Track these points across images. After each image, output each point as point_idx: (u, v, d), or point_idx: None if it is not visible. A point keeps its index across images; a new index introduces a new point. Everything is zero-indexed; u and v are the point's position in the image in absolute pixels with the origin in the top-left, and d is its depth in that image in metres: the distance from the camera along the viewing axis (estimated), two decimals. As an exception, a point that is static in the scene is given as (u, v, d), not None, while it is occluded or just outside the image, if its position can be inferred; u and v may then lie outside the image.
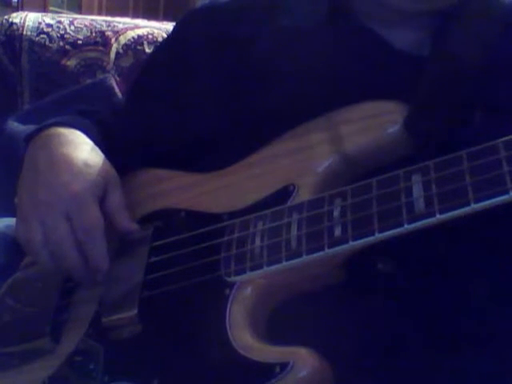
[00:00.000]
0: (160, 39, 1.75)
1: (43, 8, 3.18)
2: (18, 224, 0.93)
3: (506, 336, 0.83)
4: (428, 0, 0.90)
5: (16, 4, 3.12)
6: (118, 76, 1.72)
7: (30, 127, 1.50)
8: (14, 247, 1.16)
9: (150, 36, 1.77)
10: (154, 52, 1.37)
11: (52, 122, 1.00)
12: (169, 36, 1.12)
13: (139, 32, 1.78)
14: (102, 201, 0.91)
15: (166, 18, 2.55)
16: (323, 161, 0.85)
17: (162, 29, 1.78)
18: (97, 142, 0.97)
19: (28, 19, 1.73)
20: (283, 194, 0.85)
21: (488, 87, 0.87)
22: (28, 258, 1.03)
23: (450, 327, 0.83)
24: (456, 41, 0.88)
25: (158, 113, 1.03)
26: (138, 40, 1.76)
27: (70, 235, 0.88)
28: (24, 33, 1.70)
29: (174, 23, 1.15)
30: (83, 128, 0.99)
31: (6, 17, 1.74)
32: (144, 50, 1.75)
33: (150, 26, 1.81)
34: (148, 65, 1.15)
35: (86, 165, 0.92)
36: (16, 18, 1.73)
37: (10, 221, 1.27)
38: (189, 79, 1.01)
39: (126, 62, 1.74)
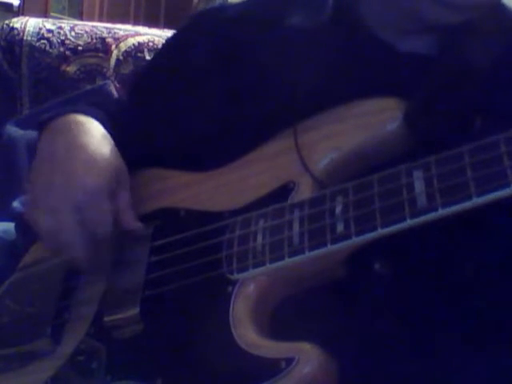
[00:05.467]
0: (161, 46, 1.75)
1: (44, 13, 3.18)
2: (29, 205, 0.94)
3: (503, 340, 0.83)
4: (460, 12, 0.89)
5: (17, 9, 3.12)
6: (118, 83, 1.72)
7: (30, 132, 1.50)
8: (12, 252, 1.16)
9: (151, 43, 1.78)
10: (157, 52, 1.37)
11: (69, 110, 1.00)
12: (172, 37, 1.13)
13: (140, 39, 1.78)
14: (112, 196, 0.91)
15: (167, 25, 2.55)
16: (323, 158, 0.85)
17: (162, 36, 1.79)
18: (111, 135, 0.98)
19: (29, 24, 1.73)
20: (283, 192, 0.85)
21: (491, 96, 0.87)
22: (25, 259, 1.03)
23: (444, 330, 0.83)
24: (468, 46, 0.88)
25: (158, 112, 1.04)
26: (139, 47, 1.77)
27: (77, 227, 0.88)
28: (24, 38, 1.70)
29: (174, 31, 1.15)
30: (99, 119, 0.99)
31: (6, 21, 1.74)
32: (144, 58, 1.75)
33: (150, 33, 1.82)
34: (151, 65, 1.15)
35: (103, 158, 0.93)
36: (17, 22, 1.73)
37: (7, 225, 1.27)
38: (190, 80, 1.02)
39: (126, 69, 1.74)
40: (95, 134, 0.96)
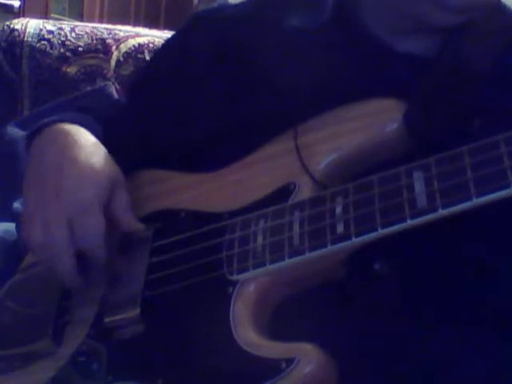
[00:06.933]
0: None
1: (45, 15, 3.17)
2: (23, 219, 0.94)
3: (505, 339, 0.83)
4: (459, 14, 0.89)
5: (17, 10, 3.12)
6: (118, 84, 1.72)
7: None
8: (13, 252, 1.16)
9: (151, 44, 1.77)
10: (155, 53, 1.38)
11: (56, 119, 1.00)
12: (171, 38, 1.13)
13: (140, 40, 1.78)
14: (108, 202, 0.91)
15: (167, 26, 2.55)
16: (323, 159, 0.85)
17: (162, 37, 1.78)
18: (101, 140, 0.97)
19: (29, 25, 1.73)
20: (284, 193, 0.85)
21: (490, 96, 0.87)
22: (27, 260, 1.03)
23: (444, 329, 0.83)
24: (467, 46, 0.89)
25: (157, 113, 1.04)
26: (139, 48, 1.76)
27: (67, 241, 0.88)
28: (25, 39, 1.70)
29: (174, 32, 1.15)
30: (86, 125, 0.99)
31: (7, 23, 1.74)
32: (144, 59, 1.75)
33: (150, 34, 1.81)
34: (150, 66, 1.15)
35: (93, 168, 0.92)
36: (17, 24, 1.73)
37: (8, 226, 1.27)
38: (189, 82, 1.02)
39: (127, 70, 1.74)
40: (84, 144, 0.95)
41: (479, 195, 0.72)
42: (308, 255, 0.78)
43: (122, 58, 1.75)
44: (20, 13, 3.08)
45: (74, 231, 0.88)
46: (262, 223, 0.83)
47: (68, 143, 0.95)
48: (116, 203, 0.92)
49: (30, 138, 1.00)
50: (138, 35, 1.80)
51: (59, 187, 0.90)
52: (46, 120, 1.00)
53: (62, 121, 0.99)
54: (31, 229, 0.90)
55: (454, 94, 0.86)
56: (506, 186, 0.71)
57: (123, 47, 1.76)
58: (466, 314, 0.83)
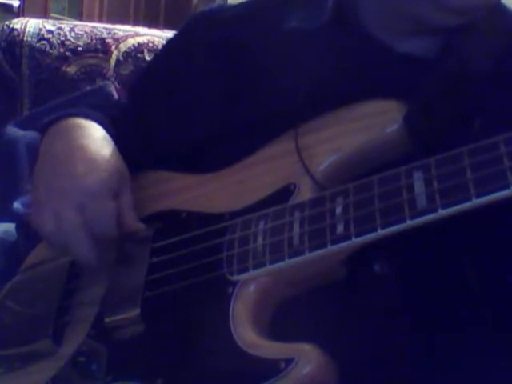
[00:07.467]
0: (160, 47, 1.75)
1: (44, 14, 3.17)
2: (32, 208, 0.94)
3: (503, 338, 0.84)
4: (459, 15, 0.89)
5: (17, 10, 3.11)
6: (118, 83, 1.72)
7: (30, 133, 1.50)
8: (12, 253, 1.17)
9: (151, 44, 1.78)
10: (156, 54, 1.38)
11: (70, 113, 1.01)
12: (171, 39, 1.13)
13: (140, 40, 1.78)
14: (115, 196, 0.91)
15: (167, 26, 2.55)
16: (324, 160, 0.86)
17: (162, 37, 1.79)
18: (112, 137, 0.98)
19: (29, 25, 1.73)
20: (284, 194, 0.85)
21: (490, 97, 0.88)
22: (28, 260, 1.03)
23: (444, 330, 0.83)
24: (467, 47, 0.89)
25: (158, 114, 1.04)
26: (139, 48, 1.77)
27: (81, 226, 0.88)
28: (24, 39, 1.70)
29: (174, 31, 1.15)
30: (100, 121, 1.00)
31: (6, 22, 1.74)
32: (144, 58, 1.75)
33: (150, 33, 1.81)
34: (150, 67, 1.16)
35: (104, 160, 0.93)
36: (17, 23, 1.73)
37: (8, 226, 1.27)
38: (190, 82, 1.02)
39: (126, 70, 1.74)
40: (96, 137, 0.96)
41: (479, 196, 0.72)
42: (308, 255, 0.78)
43: (121, 58, 1.75)
44: (19, 12, 3.08)
45: (85, 216, 0.88)
46: (262, 224, 0.83)
47: (80, 134, 0.96)
48: (120, 202, 0.92)
49: (44, 129, 1.00)
50: (137, 35, 1.80)
51: (69, 174, 0.91)
52: (60, 113, 1.01)
53: (77, 115, 1.00)
54: (42, 217, 0.90)
55: (454, 95, 0.86)
56: (506, 187, 0.71)
57: (123, 47, 1.76)
58: (465, 313, 0.83)
